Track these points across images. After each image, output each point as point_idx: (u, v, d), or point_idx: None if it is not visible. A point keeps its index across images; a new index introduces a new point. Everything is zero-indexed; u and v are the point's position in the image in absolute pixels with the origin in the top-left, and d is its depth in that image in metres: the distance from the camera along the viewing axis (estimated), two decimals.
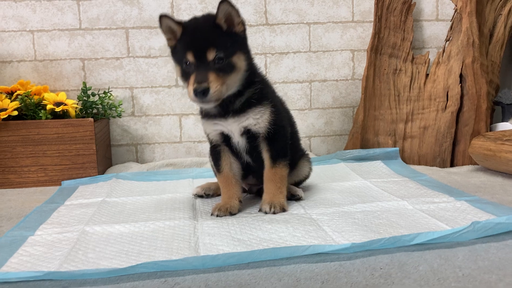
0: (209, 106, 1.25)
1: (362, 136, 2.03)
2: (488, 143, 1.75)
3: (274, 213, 1.28)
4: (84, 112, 1.92)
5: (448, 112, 1.96)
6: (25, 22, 2.04)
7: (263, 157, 1.33)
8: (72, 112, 1.85)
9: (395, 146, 2.02)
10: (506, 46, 2.10)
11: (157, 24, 2.07)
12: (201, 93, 1.16)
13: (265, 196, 1.32)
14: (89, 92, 1.95)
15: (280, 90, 2.17)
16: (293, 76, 2.18)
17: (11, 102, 1.83)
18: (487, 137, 1.77)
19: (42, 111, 1.82)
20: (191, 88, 1.18)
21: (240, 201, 1.35)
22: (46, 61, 2.07)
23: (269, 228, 1.17)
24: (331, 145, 2.24)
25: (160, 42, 2.09)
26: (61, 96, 1.89)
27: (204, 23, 1.24)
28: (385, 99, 2.05)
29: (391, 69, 2.06)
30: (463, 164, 1.95)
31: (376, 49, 2.04)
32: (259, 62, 2.15)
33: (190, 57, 1.20)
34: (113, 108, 1.99)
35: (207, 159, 2.02)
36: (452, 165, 1.98)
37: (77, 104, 1.91)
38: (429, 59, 2.08)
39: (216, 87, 1.17)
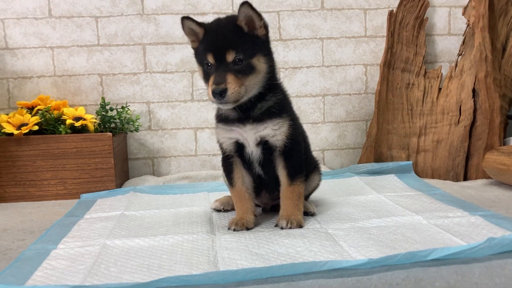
0: (228, 107, 1.26)
1: (376, 149, 2.04)
2: (502, 157, 1.75)
3: (290, 228, 1.30)
4: (102, 126, 1.96)
5: (461, 126, 1.98)
6: (45, 39, 2.10)
7: (278, 173, 1.34)
8: (91, 126, 1.90)
9: (408, 160, 2.03)
10: None
11: (173, 40, 2.13)
12: (218, 94, 1.18)
13: (282, 212, 1.33)
14: (107, 107, 1.99)
15: (294, 104, 2.18)
16: (307, 90, 2.21)
17: (31, 117, 1.88)
18: (501, 152, 1.78)
19: (61, 125, 1.87)
20: (210, 89, 1.20)
21: (255, 216, 1.36)
22: (65, 76, 2.12)
23: (286, 243, 1.19)
24: (345, 159, 2.26)
25: (176, 57, 2.14)
26: (80, 111, 1.94)
27: (225, 25, 1.26)
28: (398, 113, 2.07)
29: (404, 84, 2.08)
30: (476, 178, 1.95)
31: (389, 63, 2.07)
32: None
33: (210, 59, 1.22)
34: (130, 123, 2.03)
35: (221, 172, 2.05)
36: (465, 179, 1.98)
37: (96, 118, 1.95)
38: (442, 74, 2.10)
39: (234, 88, 1.19)
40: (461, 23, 2.23)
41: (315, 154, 2.23)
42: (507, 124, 2.07)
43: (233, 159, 1.36)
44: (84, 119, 1.89)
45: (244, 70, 1.21)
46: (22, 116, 1.89)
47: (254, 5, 2.08)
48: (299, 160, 1.34)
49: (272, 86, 1.29)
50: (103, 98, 2.01)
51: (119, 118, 2.01)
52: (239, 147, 1.33)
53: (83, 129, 1.91)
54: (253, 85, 1.24)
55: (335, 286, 0.94)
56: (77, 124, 1.86)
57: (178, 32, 2.13)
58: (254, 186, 1.40)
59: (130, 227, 1.39)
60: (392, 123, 2.07)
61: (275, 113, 1.29)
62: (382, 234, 1.24)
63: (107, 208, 1.62)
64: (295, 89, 2.20)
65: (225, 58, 1.20)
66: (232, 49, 1.20)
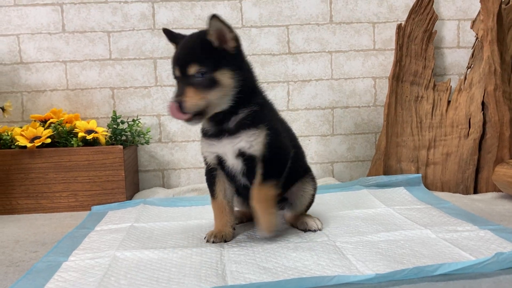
0: (192, 123, 1.24)
1: (385, 162, 2.04)
2: None
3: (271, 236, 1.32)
4: (113, 139, 1.99)
5: (470, 139, 1.97)
6: (58, 53, 2.14)
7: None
8: (102, 139, 1.92)
9: (417, 173, 2.03)
10: None
11: None
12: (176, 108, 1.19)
13: (258, 221, 1.30)
14: (119, 120, 2.02)
15: (303, 117, 2.22)
16: (315, 103, 2.23)
17: (44, 130, 1.92)
18: (511, 165, 1.77)
19: (74, 138, 1.90)
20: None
21: (233, 229, 1.38)
22: (78, 90, 2.16)
23: (294, 256, 1.19)
24: (354, 171, 2.26)
25: None
26: (92, 124, 1.97)
27: (194, 39, 1.27)
28: (407, 126, 2.07)
29: (412, 96, 2.09)
30: (486, 191, 1.94)
31: (397, 77, 2.07)
32: (281, 89, 2.20)
33: (176, 72, 1.24)
34: (141, 135, 2.06)
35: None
36: (475, 192, 1.98)
37: (107, 131, 1.98)
38: (451, 86, 2.10)
39: (191, 101, 1.18)
40: (469, 36, 2.24)
41: (324, 166, 2.25)
42: None
43: (216, 171, 1.37)
44: (96, 132, 1.92)
45: (206, 84, 1.20)
46: (35, 129, 1.92)
47: (263, 20, 2.12)
48: (278, 165, 1.31)
49: (246, 99, 1.28)
50: (114, 112, 2.04)
51: (130, 131, 2.04)
52: (221, 160, 1.33)
53: (95, 142, 1.94)
54: (218, 99, 1.23)
55: None
56: (89, 137, 1.89)
57: None
58: (242, 197, 1.42)
59: (140, 239, 1.41)
60: (401, 135, 2.07)
61: (249, 124, 1.27)
62: (390, 248, 1.24)
63: (117, 220, 1.64)
64: (304, 102, 2.22)
65: (187, 72, 1.21)
66: (194, 63, 1.20)
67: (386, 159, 2.05)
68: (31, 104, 2.15)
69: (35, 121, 2.03)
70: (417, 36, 2.11)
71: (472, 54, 2.09)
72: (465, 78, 2.06)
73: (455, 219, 1.49)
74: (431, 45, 2.13)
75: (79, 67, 2.15)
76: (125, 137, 2.06)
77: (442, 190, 2.01)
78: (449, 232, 1.35)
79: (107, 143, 1.96)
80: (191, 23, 2.16)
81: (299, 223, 1.44)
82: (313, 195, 1.49)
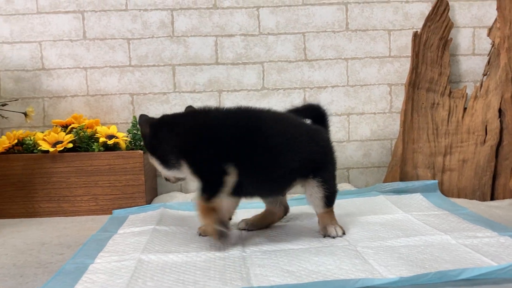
0: None
1: (401, 168, 2.06)
2: None
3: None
4: (133, 144, 2.03)
5: (487, 146, 1.98)
6: (79, 59, 2.18)
7: None
8: (123, 144, 1.96)
9: (434, 179, 2.04)
10: None
11: (201, 61, 2.20)
12: None
13: None
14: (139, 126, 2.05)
15: None
16: (331, 109, 2.25)
17: (66, 135, 1.95)
18: None
19: (95, 143, 1.93)
20: None
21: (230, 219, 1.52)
22: (98, 96, 2.20)
23: (316, 261, 1.21)
24: (369, 177, 2.27)
25: (204, 78, 2.20)
26: (112, 129, 2.01)
27: None
28: (423, 132, 2.08)
29: (428, 103, 2.10)
30: (503, 198, 1.95)
31: (414, 84, 2.09)
32: (297, 96, 2.23)
33: None
34: None
35: None
36: (492, 198, 1.98)
37: (127, 137, 2.01)
38: (467, 93, 2.11)
39: None
40: (485, 43, 2.25)
41: (339, 172, 2.26)
42: None
43: None
44: (117, 137, 1.96)
45: None
46: (57, 134, 1.96)
47: (280, 27, 2.16)
48: (203, 181, 1.33)
49: None
50: (134, 117, 2.07)
51: None
52: None
53: (115, 147, 1.97)
54: None
55: None
56: (110, 142, 1.92)
57: (206, 53, 2.20)
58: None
59: (163, 242, 1.43)
60: (417, 142, 2.08)
61: None
62: (411, 253, 1.25)
63: (139, 223, 1.67)
64: None
65: None
66: None
67: (402, 165, 2.06)
68: (52, 109, 2.19)
69: (56, 126, 2.07)
70: (433, 43, 2.13)
71: (488, 61, 2.10)
72: (481, 85, 2.08)
73: (473, 225, 1.50)
74: (446, 53, 2.15)
75: (99, 73, 2.19)
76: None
77: (459, 196, 2.02)
78: (468, 238, 1.36)
79: (127, 148, 1.99)
80: (209, 30, 2.19)
81: (320, 226, 1.47)
82: (325, 197, 1.43)
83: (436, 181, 1.99)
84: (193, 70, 2.20)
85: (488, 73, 2.08)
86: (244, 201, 1.96)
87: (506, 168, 1.95)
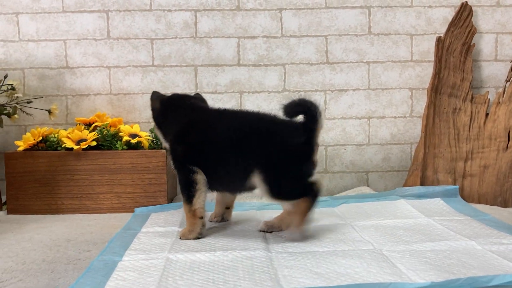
0: None
1: (422, 173, 2.06)
2: None
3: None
4: (154, 143, 2.04)
5: (509, 152, 1.98)
6: (103, 58, 2.21)
7: None
8: (146, 143, 1.98)
9: (454, 184, 2.04)
10: None
11: (223, 62, 2.21)
12: None
13: None
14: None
15: (339, 126, 2.25)
16: (352, 112, 2.25)
17: (89, 133, 1.98)
18: None
19: (118, 142, 1.95)
20: None
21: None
22: (120, 94, 2.22)
23: (344, 263, 1.22)
24: (389, 181, 2.28)
25: (226, 79, 2.22)
26: (135, 128, 2.03)
27: None
28: (444, 137, 2.08)
29: (450, 108, 2.10)
30: None
31: (436, 89, 2.09)
32: (318, 98, 2.24)
33: None
34: None
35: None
36: None
37: (149, 136, 2.03)
38: (489, 99, 2.11)
39: None
40: (507, 49, 2.24)
41: (358, 175, 2.27)
42: None
43: None
44: (140, 136, 1.98)
45: None
46: (81, 132, 1.99)
47: (303, 30, 2.17)
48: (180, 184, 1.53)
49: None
50: None
51: None
52: None
53: (138, 146, 1.99)
54: None
55: None
56: (133, 141, 1.94)
57: (228, 54, 2.21)
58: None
59: (189, 242, 1.44)
60: (438, 147, 2.08)
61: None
62: (438, 258, 1.26)
63: (162, 223, 1.68)
64: (341, 111, 2.25)
65: None
66: None
67: (423, 169, 2.06)
68: (75, 107, 2.22)
69: (79, 124, 2.09)
70: (455, 48, 2.12)
71: (511, 68, 2.09)
72: (504, 91, 2.07)
73: (498, 231, 1.50)
74: (469, 58, 2.14)
75: (122, 72, 2.21)
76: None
77: (479, 202, 2.01)
78: (494, 244, 1.36)
79: (150, 147, 2.01)
80: (231, 32, 2.21)
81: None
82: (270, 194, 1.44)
83: (457, 186, 1.99)
84: (215, 71, 2.22)
85: (511, 79, 2.08)
86: (260, 204, 1.97)
87: None
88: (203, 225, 1.49)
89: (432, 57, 2.21)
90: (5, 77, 2.05)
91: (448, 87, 2.11)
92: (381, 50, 2.24)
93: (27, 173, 1.93)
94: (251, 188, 1.50)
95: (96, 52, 2.21)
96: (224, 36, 2.21)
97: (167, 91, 2.22)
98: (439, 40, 2.10)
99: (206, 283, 1.11)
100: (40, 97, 2.17)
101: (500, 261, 1.22)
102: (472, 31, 2.14)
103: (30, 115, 2.10)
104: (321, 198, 2.00)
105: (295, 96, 1.42)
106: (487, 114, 2.09)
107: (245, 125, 1.47)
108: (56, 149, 1.97)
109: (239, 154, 1.42)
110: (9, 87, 2.01)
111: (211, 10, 2.20)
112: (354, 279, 1.11)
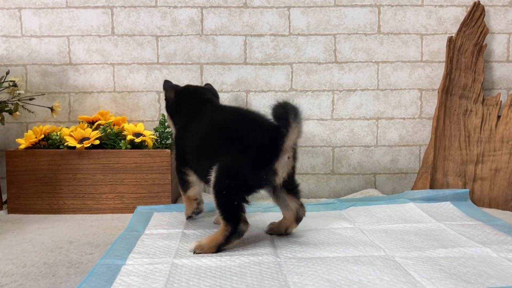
0: None
1: (432, 176, 2.01)
2: None
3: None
4: (159, 142, 2.00)
5: None
6: (107, 55, 2.16)
7: None
8: (150, 142, 1.94)
9: (465, 188, 1.99)
10: None
11: (229, 60, 2.17)
12: None
13: None
14: (166, 124, 2.03)
15: (347, 126, 2.20)
16: (360, 113, 2.21)
17: (92, 131, 1.94)
18: None
19: (122, 141, 1.91)
20: None
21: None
22: (124, 92, 2.18)
23: (356, 270, 1.18)
24: (397, 183, 2.23)
25: (232, 77, 2.17)
26: (139, 127, 1.99)
27: None
28: (455, 140, 2.04)
29: (461, 110, 2.05)
30: None
31: (447, 90, 2.05)
32: (326, 98, 2.19)
33: None
34: None
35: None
36: None
37: (154, 135, 1.99)
38: (501, 101, 2.06)
39: None
40: None
41: (366, 177, 2.23)
42: None
43: None
44: (144, 135, 1.93)
45: None
46: (84, 130, 1.94)
47: (311, 28, 2.13)
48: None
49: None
50: (163, 115, 2.05)
51: None
52: None
53: (141, 145, 1.95)
54: None
55: None
56: (138, 140, 1.90)
57: (234, 52, 2.17)
58: None
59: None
60: (448, 149, 2.04)
61: None
62: (452, 266, 1.21)
63: (166, 225, 1.64)
64: (349, 112, 2.20)
65: None
66: None
67: (433, 172, 2.02)
68: (78, 105, 2.18)
69: (82, 122, 2.05)
70: (467, 49, 2.08)
71: None
72: None
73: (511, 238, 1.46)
74: (481, 59, 2.10)
75: (126, 70, 2.17)
76: (171, 141, 2.06)
77: (490, 206, 1.97)
78: (510, 252, 1.32)
79: (154, 147, 1.97)
80: (238, 29, 2.16)
81: None
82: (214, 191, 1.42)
83: (468, 190, 1.94)
84: (221, 70, 2.18)
85: None
86: (267, 205, 1.93)
87: None
88: (198, 204, 1.67)
89: (442, 57, 2.16)
90: (7, 73, 2.01)
91: (459, 88, 2.06)
92: (391, 50, 2.19)
93: (28, 171, 1.89)
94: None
95: (100, 48, 2.16)
96: (231, 33, 2.16)
97: None
98: (450, 40, 2.05)
99: None
100: (42, 94, 2.13)
101: None
102: (484, 31, 2.09)
103: (32, 112, 2.06)
104: (328, 201, 1.98)
105: (281, 99, 1.34)
106: (498, 117, 2.04)
107: (221, 121, 1.50)
108: (58, 147, 1.92)
109: (208, 148, 1.47)
110: (11, 83, 1.97)
111: (217, 7, 2.15)
112: (366, 287, 1.07)
